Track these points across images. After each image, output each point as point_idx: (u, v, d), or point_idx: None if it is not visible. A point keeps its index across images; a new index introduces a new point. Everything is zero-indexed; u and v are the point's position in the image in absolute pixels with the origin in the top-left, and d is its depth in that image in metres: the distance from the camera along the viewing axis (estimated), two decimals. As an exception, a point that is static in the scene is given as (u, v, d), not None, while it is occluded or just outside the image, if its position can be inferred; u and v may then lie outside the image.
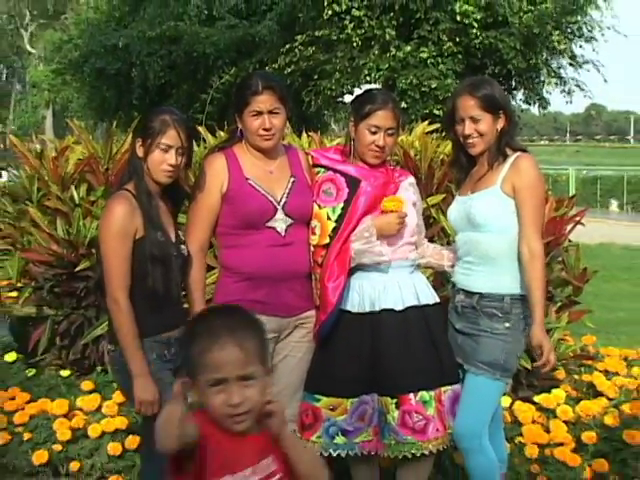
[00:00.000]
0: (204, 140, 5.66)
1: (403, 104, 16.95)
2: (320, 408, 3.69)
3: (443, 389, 3.66)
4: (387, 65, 18.30)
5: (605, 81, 21.02)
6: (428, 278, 4.00)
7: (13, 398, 4.98)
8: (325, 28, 18.63)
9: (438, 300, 3.82)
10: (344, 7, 18.15)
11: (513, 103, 19.37)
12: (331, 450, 3.66)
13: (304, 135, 5.63)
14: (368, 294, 3.69)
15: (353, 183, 3.73)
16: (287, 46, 19.26)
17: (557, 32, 18.95)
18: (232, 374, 2.04)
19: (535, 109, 22.23)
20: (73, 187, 5.44)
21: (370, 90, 3.81)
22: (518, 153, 3.64)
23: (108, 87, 23.11)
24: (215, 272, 4.13)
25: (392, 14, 18.40)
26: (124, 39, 21.50)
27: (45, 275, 5.26)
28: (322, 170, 3.82)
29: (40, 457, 4.63)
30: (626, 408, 4.70)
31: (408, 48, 18.34)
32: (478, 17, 17.93)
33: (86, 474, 4.67)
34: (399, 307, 3.66)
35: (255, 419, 2.10)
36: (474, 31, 18.07)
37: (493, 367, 3.58)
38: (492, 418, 3.70)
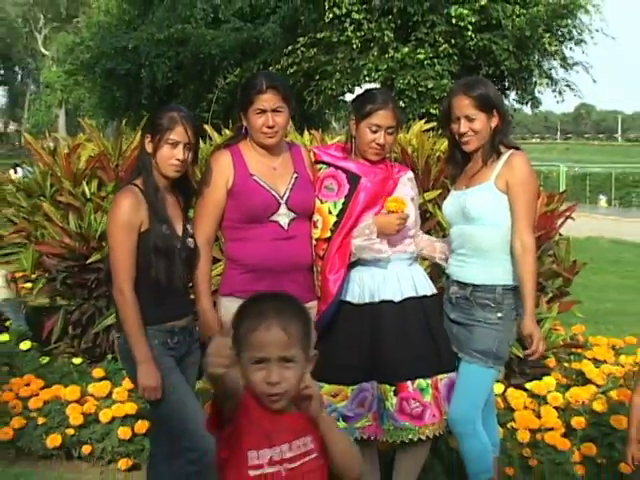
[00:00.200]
0: (210, 138, 5.66)
1: (401, 103, 16.93)
2: (322, 395, 3.68)
3: (439, 377, 3.66)
4: (386, 66, 18.29)
5: (594, 82, 21.00)
6: (425, 270, 4.00)
7: (28, 384, 4.98)
8: (326, 30, 18.62)
9: (435, 291, 3.81)
10: (344, 10, 18.13)
11: (506, 103, 19.36)
12: (332, 435, 3.65)
13: (306, 133, 5.63)
14: (368, 285, 3.68)
15: (354, 179, 3.72)
16: (289, 48, 19.26)
17: (548, 35, 18.92)
18: (274, 354, 2.06)
19: (527, 108, 22.26)
20: (85, 183, 5.44)
21: (371, 90, 3.80)
22: (511, 151, 3.63)
23: (118, 87, 23.12)
24: (221, 264, 4.13)
25: (390, 17, 18.40)
26: (134, 41, 21.51)
27: (58, 267, 5.26)
28: (324, 166, 3.81)
29: (54, 441, 4.65)
30: (613, 395, 4.70)
31: (406, 50, 18.34)
32: (473, 20, 17.92)
33: (97, 457, 4.68)
34: (398, 298, 3.66)
35: (293, 401, 2.12)
36: (469, 33, 18.06)
37: (486, 355, 3.58)
38: (485, 404, 3.71)
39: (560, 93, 20.83)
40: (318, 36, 18.72)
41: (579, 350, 5.50)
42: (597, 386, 4.90)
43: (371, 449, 3.82)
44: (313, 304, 3.68)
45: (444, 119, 3.79)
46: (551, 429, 4.44)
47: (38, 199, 5.67)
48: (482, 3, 17.85)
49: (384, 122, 3.68)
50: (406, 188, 3.84)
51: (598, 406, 4.57)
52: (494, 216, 3.59)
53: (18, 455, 4.75)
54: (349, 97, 3.88)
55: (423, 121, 5.97)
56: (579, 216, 6.48)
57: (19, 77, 68.32)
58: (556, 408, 4.58)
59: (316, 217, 3.71)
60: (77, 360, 5.28)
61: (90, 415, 4.73)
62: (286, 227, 3.59)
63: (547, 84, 20.41)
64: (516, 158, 3.59)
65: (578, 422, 4.47)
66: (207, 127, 5.74)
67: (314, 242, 3.69)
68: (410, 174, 3.95)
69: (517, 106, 21.96)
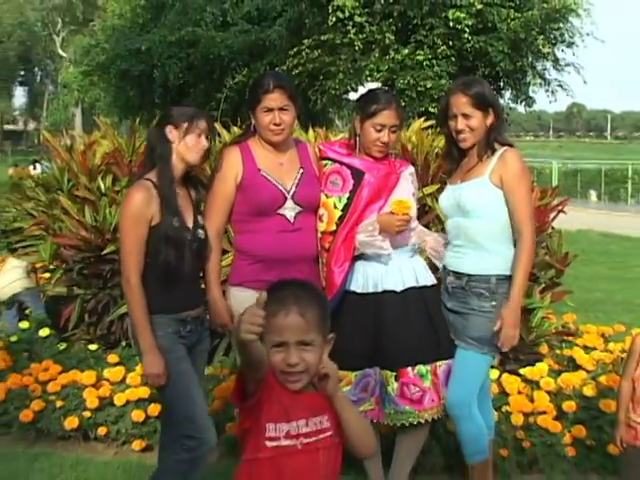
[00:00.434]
0: (219, 135, 5.65)
1: (401, 102, 16.86)
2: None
3: (438, 363, 3.66)
4: (386, 67, 18.25)
5: (585, 82, 20.94)
6: (424, 261, 3.99)
7: (47, 369, 4.99)
8: (330, 33, 18.56)
9: (435, 282, 3.80)
10: (347, 14, 18.07)
11: (501, 102, 19.30)
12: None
13: (310, 130, 5.62)
14: (371, 276, 3.67)
15: (358, 175, 3.71)
16: (295, 49, 19.21)
17: (542, 37, 18.85)
18: (292, 339, 2.09)
19: (521, 107, 22.13)
20: (100, 178, 5.45)
21: (375, 90, 3.78)
22: (505, 147, 3.62)
23: (132, 87, 23.10)
24: (229, 255, 4.12)
25: (391, 20, 18.34)
26: (147, 43, 21.48)
27: (75, 258, 5.27)
28: (329, 162, 3.80)
29: (71, 423, 4.65)
30: (603, 380, 4.69)
31: (406, 51, 18.28)
32: (469, 23, 17.85)
33: (112, 438, 4.69)
34: (400, 288, 3.65)
35: (311, 381, 2.15)
36: (466, 36, 17.99)
37: (481, 342, 3.58)
38: (481, 389, 3.70)
39: (553, 93, 20.74)
40: (322, 38, 18.66)
41: (570, 337, 5.49)
42: (587, 372, 4.90)
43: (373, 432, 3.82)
44: (318, 294, 3.67)
45: (442, 116, 3.77)
46: (543, 413, 4.44)
47: (56, 193, 5.69)
48: (478, 7, 17.77)
49: (388, 121, 3.67)
50: (407, 182, 3.82)
51: (588, 391, 4.56)
52: (488, 209, 3.58)
53: (38, 436, 4.76)
54: (353, 96, 3.85)
55: (422, 119, 5.96)
56: (570, 210, 6.46)
57: (38, 78, 68.34)
58: (548, 393, 4.58)
59: (322, 211, 3.70)
60: (93, 346, 5.29)
61: (105, 398, 4.73)
62: (292, 220, 3.58)
63: (540, 84, 20.33)
64: (509, 154, 3.58)
65: (569, 406, 4.47)
66: (216, 125, 5.73)
67: (320, 235, 3.68)
68: (411, 169, 3.93)
69: (512, 105, 21.90)
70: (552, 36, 19.64)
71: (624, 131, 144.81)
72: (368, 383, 3.66)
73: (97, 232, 5.18)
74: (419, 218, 4.06)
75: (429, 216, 4.88)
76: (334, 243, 3.64)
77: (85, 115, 51.81)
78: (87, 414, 4.69)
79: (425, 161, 5.13)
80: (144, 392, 4.66)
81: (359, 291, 3.68)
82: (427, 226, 4.47)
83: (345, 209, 3.67)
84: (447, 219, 3.82)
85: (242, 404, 2.14)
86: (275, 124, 3.53)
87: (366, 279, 3.68)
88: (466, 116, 3.61)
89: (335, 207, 3.68)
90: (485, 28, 18.34)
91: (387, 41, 18.23)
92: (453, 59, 18.40)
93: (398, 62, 18.31)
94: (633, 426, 3.37)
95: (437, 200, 4.62)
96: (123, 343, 5.21)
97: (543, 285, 5.21)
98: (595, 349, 5.34)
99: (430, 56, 18.24)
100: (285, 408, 2.13)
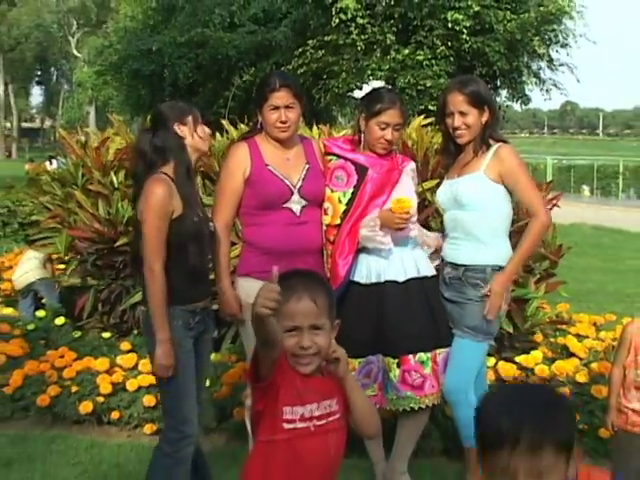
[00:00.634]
0: (227, 132, 5.64)
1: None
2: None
3: (438, 351, 3.66)
4: (388, 66, 18.18)
5: (578, 81, 20.82)
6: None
7: (62, 356, 5.00)
8: (333, 34, 18.50)
9: (435, 273, 3.79)
10: (350, 15, 18.00)
11: (498, 100, 19.27)
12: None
13: (314, 127, 5.61)
14: (374, 267, 3.67)
15: (362, 170, 3.70)
16: (300, 49, 19.16)
17: (537, 38, 18.76)
18: (305, 323, 2.11)
19: (517, 105, 22.04)
20: (113, 173, 5.45)
21: (379, 89, 3.76)
22: (499, 143, 3.63)
23: (143, 86, 23.06)
24: (237, 247, 4.12)
25: (392, 22, 18.27)
26: (157, 44, 21.44)
27: (89, 250, 5.27)
28: (334, 158, 3.78)
29: (86, 407, 4.67)
30: (595, 367, 4.69)
31: (406, 51, 18.22)
32: (467, 25, 17.77)
33: (125, 422, 4.71)
34: (401, 279, 3.64)
35: (322, 365, 2.17)
36: (464, 37, 17.92)
37: (476, 331, 3.58)
38: (477, 375, 3.70)
39: (547, 91, 20.67)
40: (326, 39, 18.60)
41: (564, 326, 5.50)
42: (580, 359, 4.90)
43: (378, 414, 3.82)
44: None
45: (439, 114, 3.78)
46: (538, 398, 4.43)
47: (71, 188, 5.68)
48: (476, 9, 17.70)
49: (392, 120, 3.65)
50: (408, 177, 3.81)
51: (580, 377, 4.56)
52: (484, 202, 3.59)
53: (54, 420, 4.78)
54: (358, 93, 3.83)
55: (422, 117, 5.93)
56: (564, 204, 6.43)
57: (54, 77, 68.33)
58: (542, 379, 4.57)
59: (327, 205, 3.69)
60: (106, 334, 5.30)
61: (118, 384, 4.75)
62: (298, 213, 3.57)
63: (535, 83, 20.27)
64: (503, 150, 3.59)
65: (562, 392, 4.47)
66: (224, 122, 5.73)
67: (325, 228, 3.68)
68: (413, 165, 3.92)
69: (508, 103, 21.82)
70: (547, 37, 19.56)
71: (615, 128, 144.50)
72: (371, 370, 3.66)
73: (110, 225, 5.18)
74: (419, 212, 4.04)
75: (428, 210, 4.86)
76: (338, 236, 3.63)
77: (99, 113, 51.76)
78: (101, 399, 4.71)
79: (425, 157, 5.11)
80: (155, 378, 4.66)
81: (362, 282, 3.67)
82: (427, 219, 4.45)
83: (349, 204, 3.66)
84: (445, 212, 3.81)
85: (256, 384, 2.15)
86: (281, 121, 3.53)
87: (369, 270, 3.67)
88: (462, 114, 3.61)
89: (339, 201, 3.67)
90: (482, 29, 18.26)
91: (388, 42, 18.16)
92: (452, 59, 18.33)
93: (399, 62, 18.25)
94: (624, 411, 3.37)
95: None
96: (135, 331, 5.22)
97: (538, 276, 5.20)
98: (587, 337, 5.34)
99: (430, 56, 18.18)
100: (298, 392, 2.14)
